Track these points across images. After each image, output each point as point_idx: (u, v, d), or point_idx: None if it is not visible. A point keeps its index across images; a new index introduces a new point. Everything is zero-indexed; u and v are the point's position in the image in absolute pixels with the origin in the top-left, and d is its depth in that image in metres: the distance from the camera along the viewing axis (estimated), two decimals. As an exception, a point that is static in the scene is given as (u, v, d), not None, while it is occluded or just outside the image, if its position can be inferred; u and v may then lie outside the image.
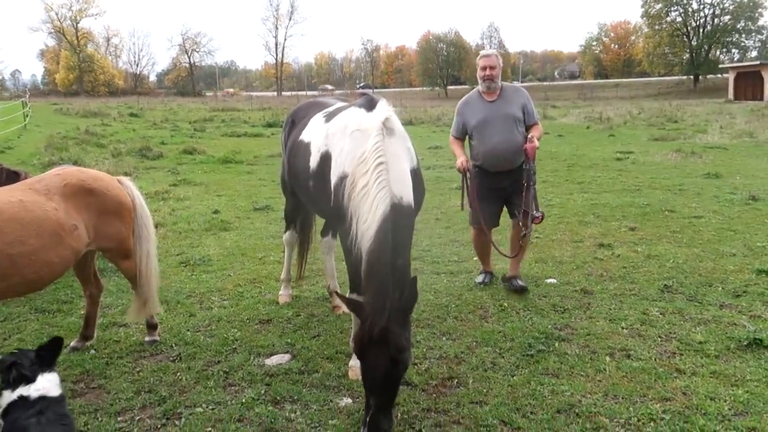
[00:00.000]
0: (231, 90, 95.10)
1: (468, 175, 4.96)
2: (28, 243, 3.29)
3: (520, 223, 4.96)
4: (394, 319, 2.84)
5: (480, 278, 5.37)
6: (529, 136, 4.88)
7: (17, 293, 3.59)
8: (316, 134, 3.96)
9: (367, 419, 2.84)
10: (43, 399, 2.51)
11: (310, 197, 4.09)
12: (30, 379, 2.54)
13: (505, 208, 5.28)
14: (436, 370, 3.73)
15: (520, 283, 5.08)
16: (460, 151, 5.08)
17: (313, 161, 3.84)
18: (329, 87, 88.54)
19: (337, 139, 3.63)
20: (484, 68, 5.00)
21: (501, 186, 5.04)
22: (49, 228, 3.39)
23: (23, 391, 2.51)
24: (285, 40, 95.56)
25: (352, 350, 3.79)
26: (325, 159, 3.70)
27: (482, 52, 5.21)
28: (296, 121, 4.53)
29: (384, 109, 3.48)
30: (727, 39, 67.94)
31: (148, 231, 4.14)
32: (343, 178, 3.43)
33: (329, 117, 3.98)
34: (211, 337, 4.29)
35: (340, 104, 4.22)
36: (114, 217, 3.79)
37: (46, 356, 2.68)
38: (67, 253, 3.50)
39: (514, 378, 3.62)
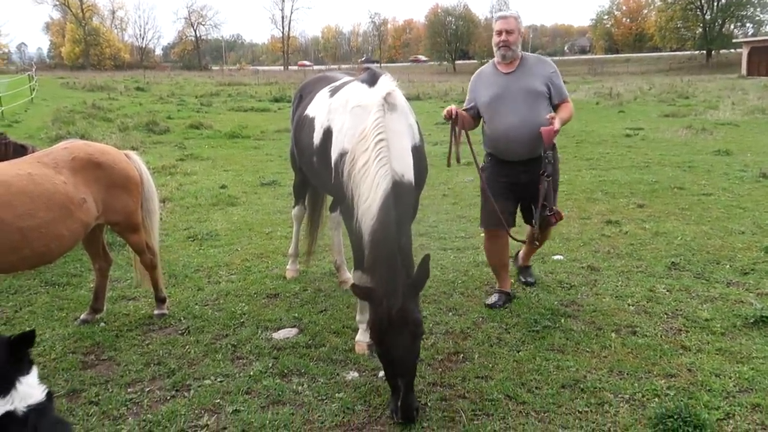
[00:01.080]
0: (306, 63, 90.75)
1: (456, 125, 4.09)
2: (37, 216, 3.31)
3: (534, 222, 4.18)
4: (408, 298, 2.86)
5: (492, 299, 4.37)
6: (548, 116, 3.93)
7: (28, 266, 3.62)
8: (320, 109, 3.93)
9: (398, 404, 2.87)
10: (33, 411, 1.97)
11: (315, 173, 4.07)
12: (7, 389, 1.94)
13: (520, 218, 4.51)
14: (442, 345, 3.76)
15: (528, 278, 4.75)
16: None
17: (317, 137, 3.81)
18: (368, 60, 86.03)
19: (338, 114, 3.60)
20: (499, 32, 4.08)
21: (516, 180, 4.17)
22: (58, 201, 3.40)
23: (5, 405, 1.92)
24: (291, 13, 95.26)
25: (358, 324, 3.83)
26: (327, 135, 3.67)
27: (498, 14, 4.27)
28: (304, 96, 4.50)
29: (386, 84, 3.43)
30: (742, 13, 66.53)
31: (154, 205, 4.17)
32: (342, 155, 3.40)
33: (334, 92, 3.94)
34: (219, 311, 4.33)
35: (346, 79, 4.18)
36: (122, 191, 3.80)
37: (20, 355, 2.03)
38: (77, 227, 3.52)
39: (520, 353, 3.64)
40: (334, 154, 3.54)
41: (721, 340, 3.74)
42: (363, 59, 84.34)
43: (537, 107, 4.03)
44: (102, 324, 4.10)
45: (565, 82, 4.05)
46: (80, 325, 4.08)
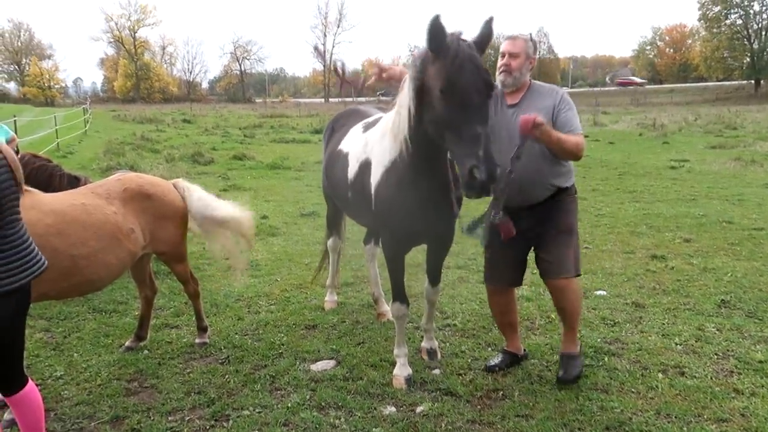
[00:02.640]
0: (636, 79, 74.76)
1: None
2: (88, 245, 3.43)
3: (479, 225, 3.47)
4: (475, 51, 2.92)
5: (494, 360, 3.90)
6: (533, 114, 3.20)
7: (78, 293, 3.75)
8: (354, 144, 3.96)
9: (480, 154, 2.69)
10: None
11: (349, 207, 4.10)
12: None
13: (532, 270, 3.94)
14: (481, 382, 3.69)
15: (569, 372, 3.60)
16: None
17: (352, 171, 3.84)
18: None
19: (377, 145, 3.63)
20: (502, 55, 3.46)
21: (519, 228, 3.35)
22: (108, 231, 3.53)
23: None
24: (333, 47, 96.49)
25: (396, 358, 3.81)
26: (365, 167, 3.70)
27: (507, 34, 3.57)
28: (336, 129, 4.56)
29: None
30: (792, 42, 64.83)
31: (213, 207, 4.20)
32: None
33: (367, 127, 3.99)
34: (259, 341, 4.37)
35: (379, 114, 4.22)
36: (169, 222, 3.92)
37: None
38: (124, 255, 3.64)
39: (562, 392, 3.54)
40: (374, 181, 3.57)
41: (776, 384, 3.56)
42: (380, 92, 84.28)
43: (531, 150, 3.30)
44: (146, 351, 4.19)
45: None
46: (125, 352, 4.18)
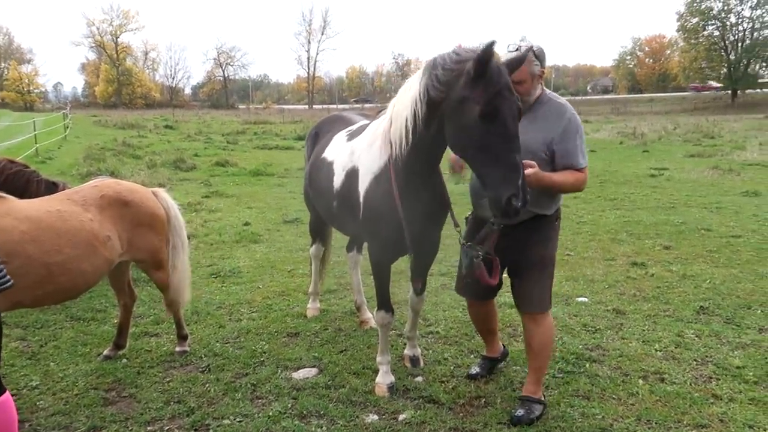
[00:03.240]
0: (716, 85, 67.14)
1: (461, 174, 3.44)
2: (63, 252, 3.37)
3: (462, 262, 3.33)
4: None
5: (474, 369, 3.89)
6: (523, 161, 2.85)
7: (53, 301, 3.67)
8: (339, 153, 3.92)
9: (519, 184, 2.68)
10: None
11: (333, 216, 4.04)
12: None
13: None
14: (463, 389, 3.69)
15: (533, 411, 3.33)
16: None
17: (337, 180, 3.79)
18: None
19: (364, 153, 3.60)
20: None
21: (497, 247, 3.18)
22: (83, 238, 3.47)
23: None
24: (317, 54, 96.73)
25: (378, 365, 3.79)
26: (351, 175, 3.66)
27: (507, 54, 3.20)
28: (320, 134, 4.53)
29: None
30: (767, 53, 66.26)
31: (182, 241, 4.21)
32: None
33: (352, 136, 3.95)
34: (240, 349, 4.32)
35: (363, 122, 4.19)
36: (147, 229, 3.87)
37: None
38: (100, 263, 3.58)
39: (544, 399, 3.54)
40: (362, 190, 3.53)
41: (754, 389, 3.61)
42: (357, 99, 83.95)
43: None
44: (124, 360, 4.13)
45: (587, 121, 3.53)
46: (103, 360, 4.11)
